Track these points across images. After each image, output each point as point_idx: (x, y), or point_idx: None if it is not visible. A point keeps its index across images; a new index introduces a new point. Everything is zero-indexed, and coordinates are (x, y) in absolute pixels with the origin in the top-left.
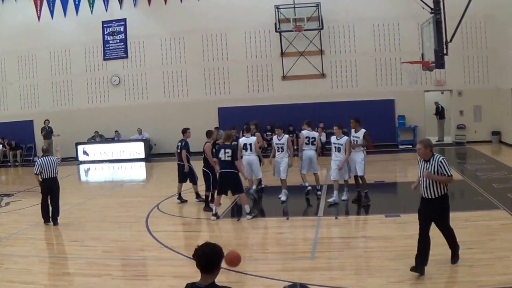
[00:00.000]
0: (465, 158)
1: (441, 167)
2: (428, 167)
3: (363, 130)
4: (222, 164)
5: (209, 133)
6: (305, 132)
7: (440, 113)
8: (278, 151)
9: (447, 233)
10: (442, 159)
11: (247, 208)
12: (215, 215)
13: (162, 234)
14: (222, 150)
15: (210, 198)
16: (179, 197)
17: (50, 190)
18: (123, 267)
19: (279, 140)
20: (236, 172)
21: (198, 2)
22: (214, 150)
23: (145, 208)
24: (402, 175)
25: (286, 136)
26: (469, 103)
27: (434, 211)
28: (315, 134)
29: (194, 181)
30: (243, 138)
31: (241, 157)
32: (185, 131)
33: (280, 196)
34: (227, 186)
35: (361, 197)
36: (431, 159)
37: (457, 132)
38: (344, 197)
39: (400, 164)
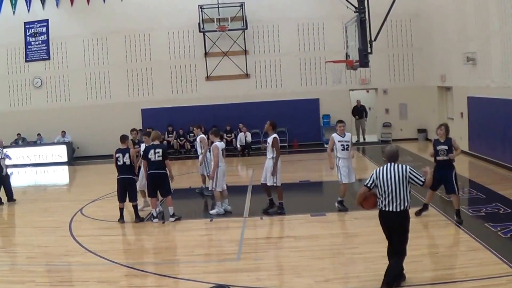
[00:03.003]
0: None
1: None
2: None
3: (273, 136)
4: (152, 165)
5: (123, 138)
6: (219, 144)
7: (359, 112)
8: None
9: None
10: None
11: (171, 210)
12: (157, 217)
13: (86, 239)
14: (152, 151)
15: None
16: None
17: None
18: (47, 273)
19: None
20: (166, 173)
21: (121, 2)
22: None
23: (69, 213)
24: (327, 174)
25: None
26: (394, 101)
27: None
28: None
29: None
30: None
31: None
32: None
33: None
34: (157, 187)
35: (273, 206)
36: None
37: (382, 130)
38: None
39: (326, 163)
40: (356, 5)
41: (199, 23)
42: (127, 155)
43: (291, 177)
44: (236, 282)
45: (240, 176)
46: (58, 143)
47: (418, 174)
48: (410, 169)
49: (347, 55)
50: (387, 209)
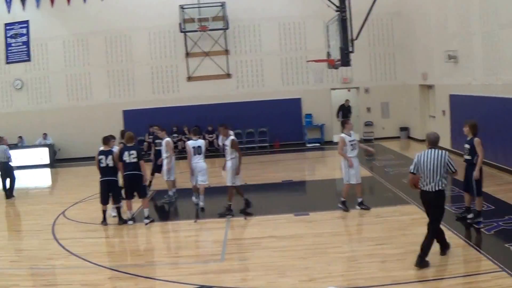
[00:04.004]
0: (374, 154)
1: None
2: None
3: (231, 138)
4: (127, 166)
5: (106, 140)
6: (190, 142)
7: (346, 111)
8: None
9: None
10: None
11: (146, 212)
12: (132, 219)
13: (69, 242)
14: (126, 152)
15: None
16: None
17: None
18: (31, 276)
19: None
20: (142, 175)
21: (102, 2)
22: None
23: (51, 215)
24: (310, 173)
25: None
26: (376, 100)
27: None
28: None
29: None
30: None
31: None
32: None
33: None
34: (133, 189)
35: (249, 205)
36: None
37: (364, 129)
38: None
39: (308, 163)
40: (337, 4)
41: (180, 23)
42: (110, 157)
43: (273, 177)
44: (221, 283)
45: (222, 177)
46: (40, 145)
47: (453, 163)
48: (448, 156)
49: (328, 54)
50: (426, 188)
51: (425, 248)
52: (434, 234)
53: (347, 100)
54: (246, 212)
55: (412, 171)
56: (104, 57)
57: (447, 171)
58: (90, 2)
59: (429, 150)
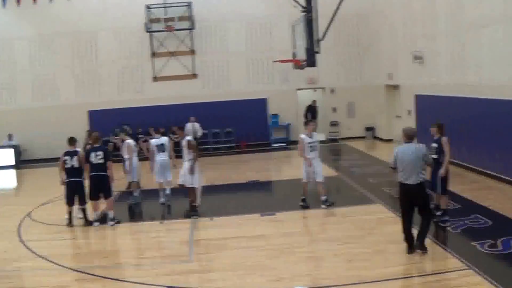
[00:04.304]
0: (340, 154)
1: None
2: None
3: (187, 139)
4: (93, 167)
5: (71, 141)
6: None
7: (312, 113)
8: None
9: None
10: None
11: (110, 214)
12: (97, 220)
13: (35, 244)
14: (93, 153)
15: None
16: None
17: None
18: None
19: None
20: (108, 175)
21: (68, 2)
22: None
23: (17, 217)
24: (276, 173)
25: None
26: (342, 100)
27: None
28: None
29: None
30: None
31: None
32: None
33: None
34: (99, 190)
35: (194, 208)
36: None
37: (330, 129)
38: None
39: (274, 163)
40: (304, 5)
41: (145, 23)
42: (75, 157)
43: (239, 177)
44: (188, 283)
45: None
46: (5, 146)
47: (429, 155)
48: (426, 148)
49: (294, 55)
50: (407, 182)
51: (424, 232)
52: (431, 218)
53: (314, 101)
54: (190, 215)
55: (393, 166)
56: (70, 57)
57: (425, 162)
58: (56, 2)
59: (407, 144)
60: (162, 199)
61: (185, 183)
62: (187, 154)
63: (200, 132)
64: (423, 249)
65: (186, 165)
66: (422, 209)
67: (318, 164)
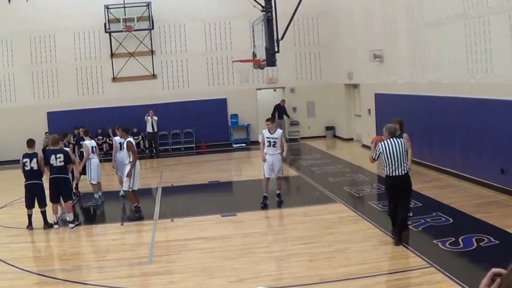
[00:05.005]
0: (300, 154)
1: None
2: None
3: (127, 140)
4: (53, 170)
5: (30, 143)
6: (117, 139)
7: (281, 112)
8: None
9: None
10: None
11: (70, 216)
12: (57, 223)
13: None
14: (53, 156)
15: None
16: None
17: None
18: None
19: None
20: (68, 178)
21: (26, 3)
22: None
23: None
24: (236, 174)
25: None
26: (302, 100)
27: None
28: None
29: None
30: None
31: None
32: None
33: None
34: (59, 192)
35: (138, 209)
36: None
37: (290, 129)
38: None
39: (235, 163)
40: (263, 4)
41: (105, 23)
42: (34, 160)
43: (200, 178)
44: (149, 286)
45: (149, 178)
46: None
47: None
48: (405, 141)
49: (254, 54)
50: (394, 174)
51: (404, 228)
52: (408, 210)
53: (283, 100)
54: (134, 218)
55: (374, 157)
56: (29, 58)
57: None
58: (15, 2)
59: (391, 139)
60: (122, 192)
61: (124, 188)
62: (126, 157)
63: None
64: (400, 241)
65: (126, 168)
66: (405, 198)
67: (277, 160)
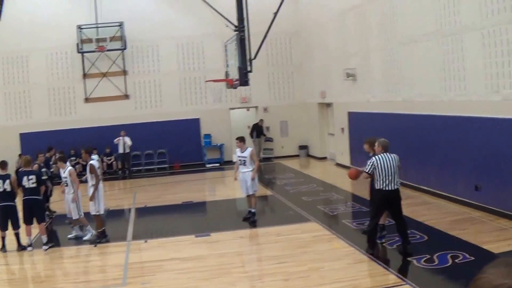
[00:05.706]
0: (274, 173)
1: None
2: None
3: (89, 163)
4: (26, 191)
5: (3, 164)
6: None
7: (258, 132)
8: None
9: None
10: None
11: (44, 238)
12: (31, 245)
13: None
14: (25, 177)
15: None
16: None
17: None
18: None
19: None
20: (41, 199)
21: None
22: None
23: None
24: (210, 194)
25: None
26: (275, 119)
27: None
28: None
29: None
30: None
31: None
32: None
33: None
34: (32, 214)
35: (103, 233)
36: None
37: (265, 145)
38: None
39: (208, 183)
40: (236, 24)
41: (77, 44)
42: (7, 181)
43: (173, 199)
44: None
45: (122, 199)
46: None
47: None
48: (398, 157)
49: (227, 74)
50: (388, 188)
51: (405, 234)
52: (404, 221)
53: (261, 120)
54: (96, 242)
55: (368, 171)
56: (1, 79)
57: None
58: None
59: (384, 154)
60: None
61: (91, 212)
62: (90, 179)
63: (129, 142)
64: (410, 252)
65: (90, 191)
66: (398, 212)
67: (248, 178)
